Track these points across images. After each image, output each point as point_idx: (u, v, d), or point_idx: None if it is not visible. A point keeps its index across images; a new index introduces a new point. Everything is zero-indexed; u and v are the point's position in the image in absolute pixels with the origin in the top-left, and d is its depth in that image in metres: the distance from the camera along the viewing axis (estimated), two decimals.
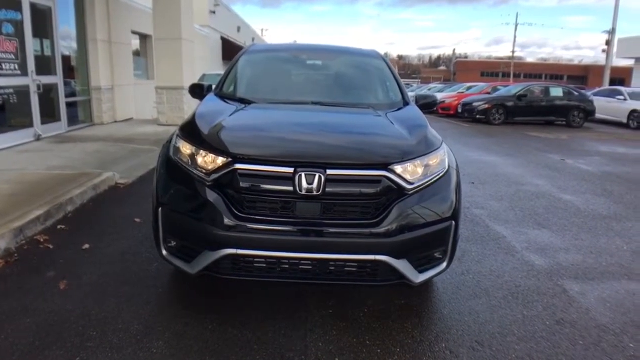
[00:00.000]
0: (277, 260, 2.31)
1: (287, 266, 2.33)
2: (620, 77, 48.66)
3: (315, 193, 2.25)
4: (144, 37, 13.41)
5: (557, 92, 17.12)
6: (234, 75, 3.72)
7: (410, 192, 2.40)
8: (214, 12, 21.82)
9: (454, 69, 70.43)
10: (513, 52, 60.42)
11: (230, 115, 2.84)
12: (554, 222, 4.73)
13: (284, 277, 2.38)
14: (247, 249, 2.27)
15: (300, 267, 2.33)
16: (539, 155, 9.12)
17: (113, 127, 9.86)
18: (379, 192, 2.34)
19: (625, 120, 16.99)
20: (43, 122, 7.93)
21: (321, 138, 2.61)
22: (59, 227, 3.95)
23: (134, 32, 12.29)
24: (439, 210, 2.46)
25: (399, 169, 2.40)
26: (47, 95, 8.16)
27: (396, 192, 2.37)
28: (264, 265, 2.33)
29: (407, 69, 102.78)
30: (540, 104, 16.65)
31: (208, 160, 2.42)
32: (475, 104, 16.84)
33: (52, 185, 4.70)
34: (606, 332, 2.68)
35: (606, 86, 37.93)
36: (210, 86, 3.80)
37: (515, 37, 55.93)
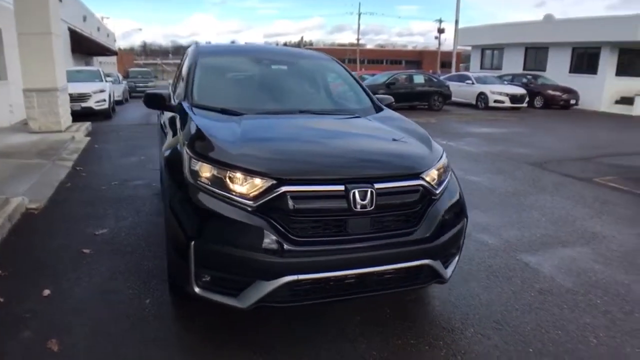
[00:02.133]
0: (335, 280, 2.29)
1: (343, 284, 2.33)
2: (449, 61, 56.16)
3: (368, 208, 2.28)
4: None
5: (419, 79, 18.98)
6: (200, 83, 3.40)
7: (437, 197, 2.58)
8: (61, 0, 19.16)
9: None
10: (358, 39, 64.35)
11: (241, 131, 2.65)
12: (478, 203, 5.37)
13: (340, 295, 2.37)
14: (307, 273, 2.20)
15: (355, 282, 2.35)
16: None
17: None
18: (417, 200, 2.47)
19: (474, 102, 19.61)
20: None
21: (360, 153, 2.62)
22: None
23: None
24: (458, 210, 2.69)
25: (427, 176, 2.55)
26: None
27: (428, 199, 2.52)
28: (321, 286, 2.29)
29: None
30: (406, 91, 18.28)
31: (247, 184, 2.26)
32: None
33: None
34: (576, 294, 3.24)
35: (437, 69, 43.33)
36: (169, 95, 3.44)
37: (359, 25, 60.01)
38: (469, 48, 30.30)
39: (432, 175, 2.59)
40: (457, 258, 2.83)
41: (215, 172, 2.33)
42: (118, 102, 17.00)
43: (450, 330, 2.72)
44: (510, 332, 2.72)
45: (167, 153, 2.87)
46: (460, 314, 2.91)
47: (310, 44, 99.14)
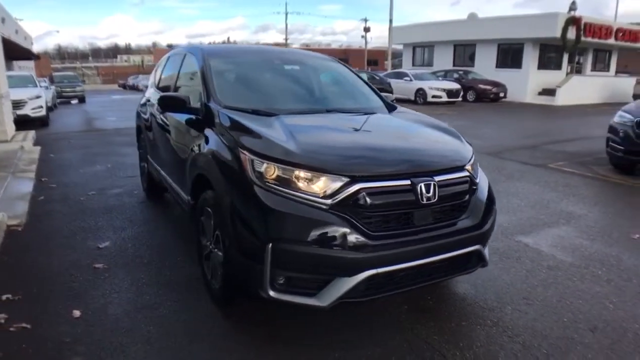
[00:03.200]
0: (406, 271, 2.39)
1: (411, 274, 2.44)
2: (374, 59, 58.36)
3: (432, 200, 2.41)
4: None
5: (364, 77, 19.45)
6: (220, 85, 3.29)
7: (476, 186, 2.77)
8: None
9: None
10: (286, 39, 64.37)
11: (291, 130, 2.64)
12: None
13: (407, 286, 2.47)
14: (384, 267, 2.28)
15: (421, 272, 2.47)
16: None
17: None
18: (466, 190, 2.64)
19: (413, 97, 20.52)
20: None
21: (416, 148, 2.73)
22: (3, 297, 3.00)
23: None
24: (492, 196, 2.90)
25: (470, 167, 2.74)
26: None
27: (472, 189, 2.71)
28: (392, 278, 2.38)
29: None
30: None
31: (319, 183, 2.29)
32: None
33: None
34: (579, 267, 3.59)
35: (365, 67, 44.72)
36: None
37: (286, 25, 60.32)
38: (399, 46, 31.52)
39: (472, 165, 2.78)
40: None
41: (282, 173, 2.34)
42: (49, 109, 15.81)
43: (491, 310, 2.93)
44: (541, 306, 2.98)
45: (207, 155, 2.81)
46: (492, 294, 3.14)
47: (235, 43, 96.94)
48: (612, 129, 6.74)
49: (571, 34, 21.08)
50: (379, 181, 2.34)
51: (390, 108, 3.69)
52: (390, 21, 25.88)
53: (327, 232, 2.23)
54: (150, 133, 4.69)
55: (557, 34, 20.60)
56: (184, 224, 4.42)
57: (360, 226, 2.27)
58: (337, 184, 2.29)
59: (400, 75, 22.19)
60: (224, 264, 2.60)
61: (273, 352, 2.45)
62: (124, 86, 45.40)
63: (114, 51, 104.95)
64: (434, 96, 20.02)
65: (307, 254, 2.23)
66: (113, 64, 78.12)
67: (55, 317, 2.77)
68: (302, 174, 2.32)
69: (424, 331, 2.67)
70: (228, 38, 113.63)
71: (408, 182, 2.38)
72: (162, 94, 3.35)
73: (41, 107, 11.88)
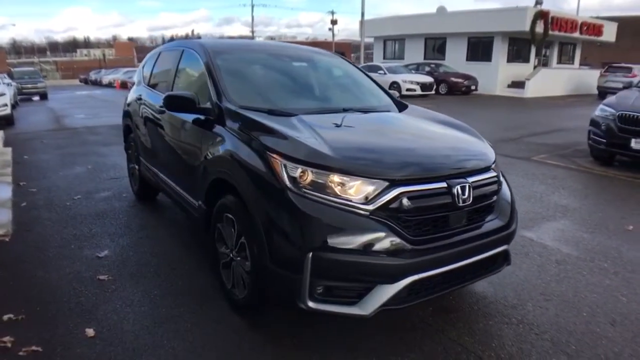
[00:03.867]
0: (444, 274, 2.36)
1: (447, 278, 2.41)
2: (342, 51, 58.83)
3: (468, 202, 2.39)
4: None
5: None
6: (230, 83, 3.15)
7: (501, 186, 2.77)
8: None
9: None
10: (252, 31, 63.33)
11: (318, 131, 2.54)
12: None
13: (442, 289, 2.44)
14: (425, 271, 2.25)
15: (457, 275, 2.44)
16: None
17: None
18: (495, 190, 2.64)
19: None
20: None
21: (447, 149, 2.69)
22: (4, 317, 2.78)
23: None
24: (513, 196, 2.91)
25: (495, 167, 2.73)
26: None
27: (498, 189, 2.71)
28: (431, 282, 2.35)
29: (140, 51, 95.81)
30: None
31: (357, 187, 2.22)
32: None
33: None
34: (585, 260, 3.68)
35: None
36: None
37: (252, 17, 59.67)
38: (370, 39, 31.61)
39: (496, 165, 2.78)
40: None
41: (317, 177, 2.25)
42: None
43: (514, 307, 2.95)
44: (559, 302, 3.03)
45: (227, 158, 2.70)
46: (511, 291, 3.16)
47: (199, 37, 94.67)
48: (594, 122, 6.95)
49: (539, 27, 21.67)
50: (417, 184, 2.29)
51: (400, 106, 3.65)
52: (362, 14, 25.89)
53: (369, 239, 2.18)
54: (143, 133, 4.48)
55: (526, 27, 21.14)
56: (185, 229, 4.27)
57: (401, 231, 2.23)
58: (377, 189, 2.23)
59: (373, 69, 22.23)
60: (252, 273, 2.50)
61: None
62: (86, 81, 43.76)
63: (73, 45, 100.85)
64: (408, 89, 20.18)
65: (349, 262, 2.16)
66: (73, 59, 75.15)
67: (67, 337, 2.59)
68: (339, 178, 2.24)
69: (453, 332, 2.66)
70: (192, 31, 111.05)
71: (444, 184, 2.35)
72: (169, 93, 3.16)
73: (6, 105, 11.27)
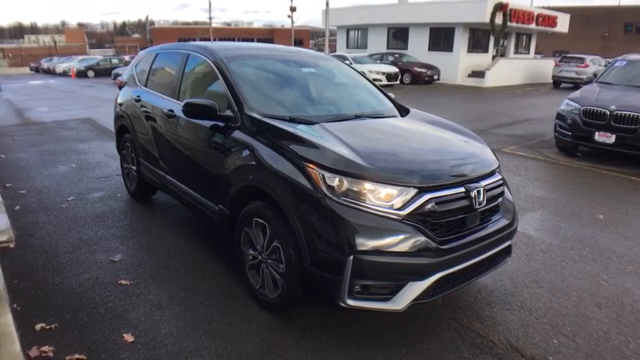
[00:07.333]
0: (463, 270, 2.65)
1: (465, 273, 2.70)
2: (300, 38, 58.92)
3: (483, 204, 2.68)
4: None
5: None
6: (249, 91, 3.27)
7: (504, 187, 3.08)
8: None
9: (150, 36, 65.95)
10: (210, 18, 62.12)
11: (344, 140, 2.73)
12: None
13: (459, 283, 2.73)
14: (450, 268, 2.53)
15: (472, 270, 2.74)
16: None
17: None
18: (502, 192, 2.95)
19: None
20: None
21: (461, 155, 2.96)
22: (36, 326, 2.84)
23: None
24: (511, 194, 3.23)
25: (500, 170, 3.04)
26: None
27: (504, 190, 3.01)
28: (454, 277, 2.64)
29: (92, 37, 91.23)
30: None
31: (390, 195, 2.46)
32: None
33: None
34: (566, 248, 4.09)
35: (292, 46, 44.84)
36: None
37: (210, 3, 58.18)
38: (332, 27, 31.72)
39: (499, 168, 3.08)
40: None
41: (352, 186, 2.46)
42: None
43: (512, 294, 3.29)
44: (551, 287, 3.40)
45: (258, 167, 2.84)
46: (507, 280, 3.51)
47: (152, 23, 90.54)
48: (560, 116, 7.48)
49: (498, 19, 22.51)
50: (442, 190, 2.56)
51: (401, 109, 3.88)
52: (327, 3, 25.94)
53: (402, 241, 2.43)
54: (144, 135, 4.51)
55: (486, 19, 21.90)
56: (191, 228, 4.37)
57: (429, 233, 2.49)
58: (408, 196, 2.47)
59: (340, 59, 22.39)
60: (287, 275, 2.69)
61: (344, 353, 2.61)
62: (37, 69, 41.52)
63: (19, 31, 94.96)
64: (374, 79, 20.51)
65: (385, 263, 2.42)
66: (20, 45, 70.71)
67: (108, 344, 2.68)
68: (373, 186, 2.46)
69: (465, 320, 2.97)
70: (147, 16, 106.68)
71: (463, 189, 2.62)
72: (188, 100, 3.25)
73: None
